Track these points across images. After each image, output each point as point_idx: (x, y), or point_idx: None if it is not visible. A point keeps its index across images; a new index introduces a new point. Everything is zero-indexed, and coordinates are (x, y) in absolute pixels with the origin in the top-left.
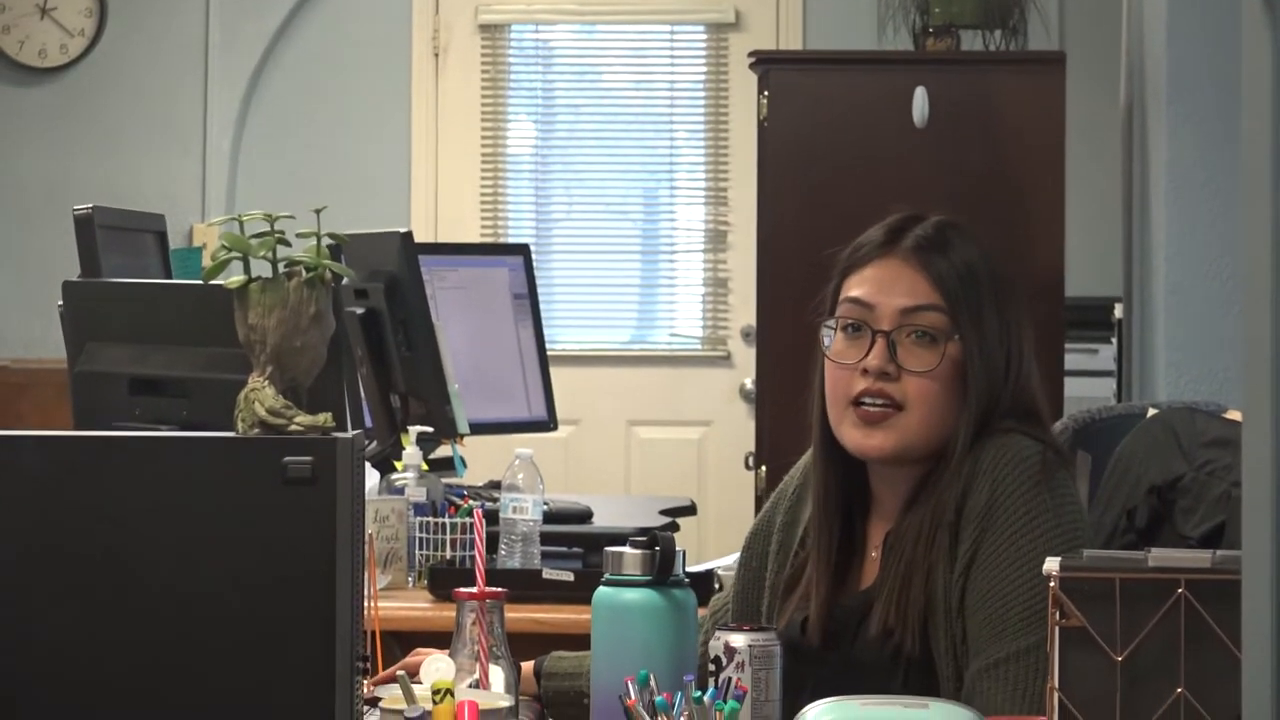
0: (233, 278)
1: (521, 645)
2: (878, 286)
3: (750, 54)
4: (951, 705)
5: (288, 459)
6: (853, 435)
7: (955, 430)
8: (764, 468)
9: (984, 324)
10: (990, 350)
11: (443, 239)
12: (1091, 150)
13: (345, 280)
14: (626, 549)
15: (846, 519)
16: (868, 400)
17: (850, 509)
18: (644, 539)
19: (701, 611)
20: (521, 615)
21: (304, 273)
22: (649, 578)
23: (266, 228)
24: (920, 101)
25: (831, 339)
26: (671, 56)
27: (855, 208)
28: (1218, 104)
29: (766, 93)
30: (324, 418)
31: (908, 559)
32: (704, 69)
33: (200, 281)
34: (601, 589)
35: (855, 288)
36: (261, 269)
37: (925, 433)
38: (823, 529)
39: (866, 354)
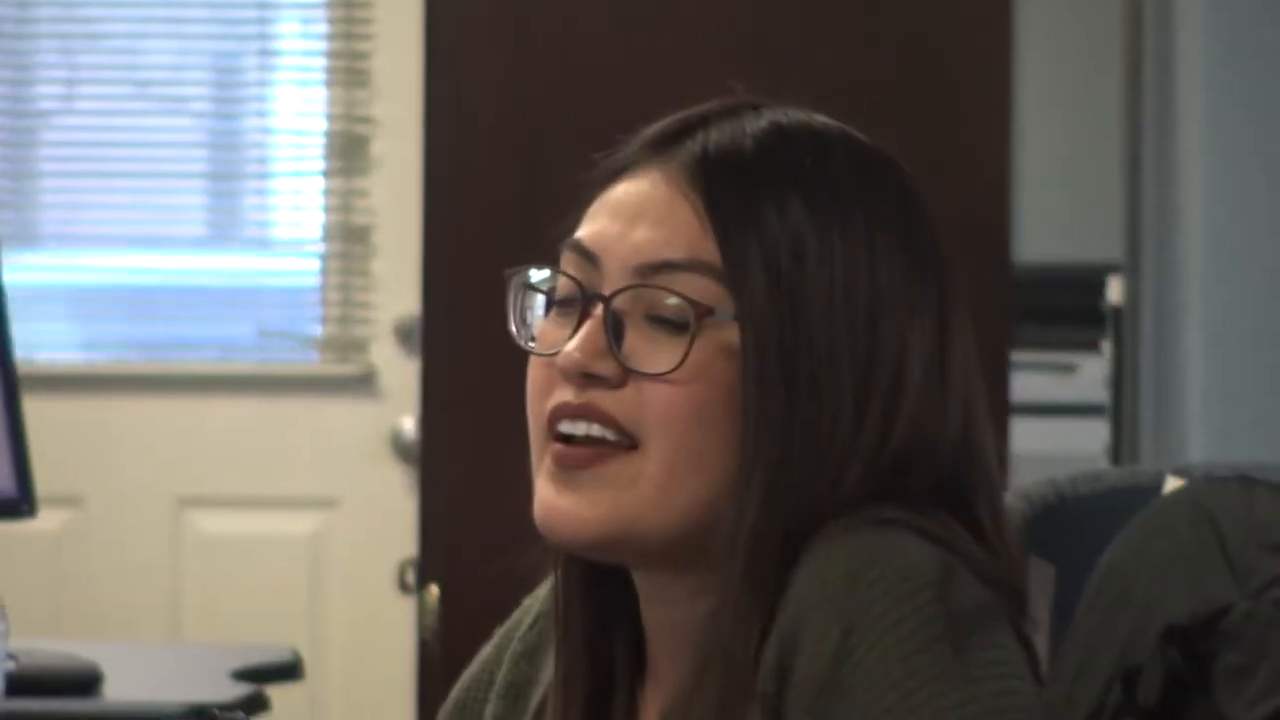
0: None
1: None
2: (620, 223)
3: None
4: None
5: None
6: (541, 495)
7: (734, 501)
8: (436, 587)
9: (807, 303)
10: (814, 353)
11: None
12: (1064, 23)
13: None
14: None
15: (605, 671)
16: (566, 427)
17: (612, 653)
18: None
19: None
20: None
21: None
22: None
23: None
24: None
25: (542, 313)
26: None
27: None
28: None
29: None
30: None
31: None
32: None
33: None
34: None
35: (587, 223)
36: None
37: (677, 492)
38: (561, 689)
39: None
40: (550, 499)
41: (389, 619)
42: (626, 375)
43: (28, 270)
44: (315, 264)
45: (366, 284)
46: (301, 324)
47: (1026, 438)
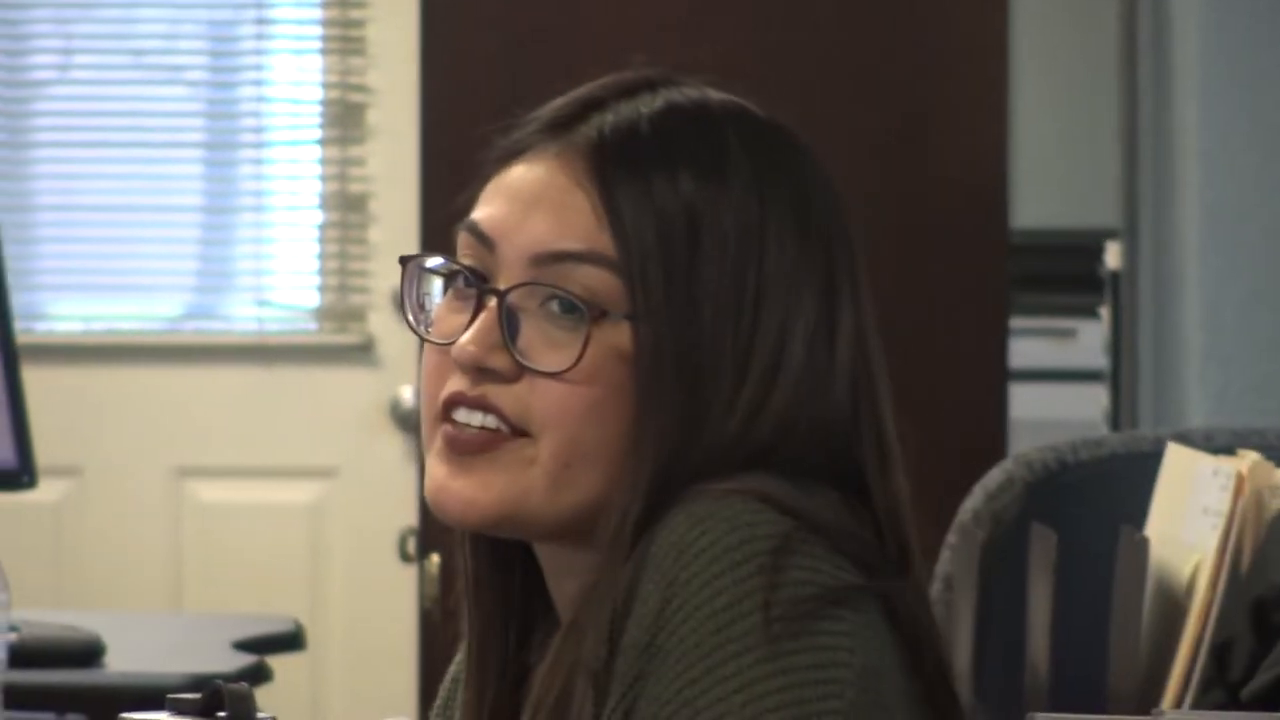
0: None
1: None
2: (515, 208)
3: None
4: None
5: None
6: (433, 474)
7: (623, 493)
8: (437, 556)
9: (701, 288)
10: (704, 340)
11: None
12: None
13: None
14: (163, 717)
15: (518, 640)
16: (461, 416)
17: (524, 621)
18: (198, 696)
19: None
20: None
21: None
22: None
23: None
24: None
25: (439, 296)
26: None
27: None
28: None
29: None
30: None
31: None
32: None
33: None
34: None
35: (483, 204)
36: None
37: (567, 484)
38: (474, 656)
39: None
40: (442, 479)
41: (390, 588)
42: (521, 370)
43: (26, 242)
44: (313, 233)
45: (364, 253)
46: (302, 295)
47: (1025, 404)
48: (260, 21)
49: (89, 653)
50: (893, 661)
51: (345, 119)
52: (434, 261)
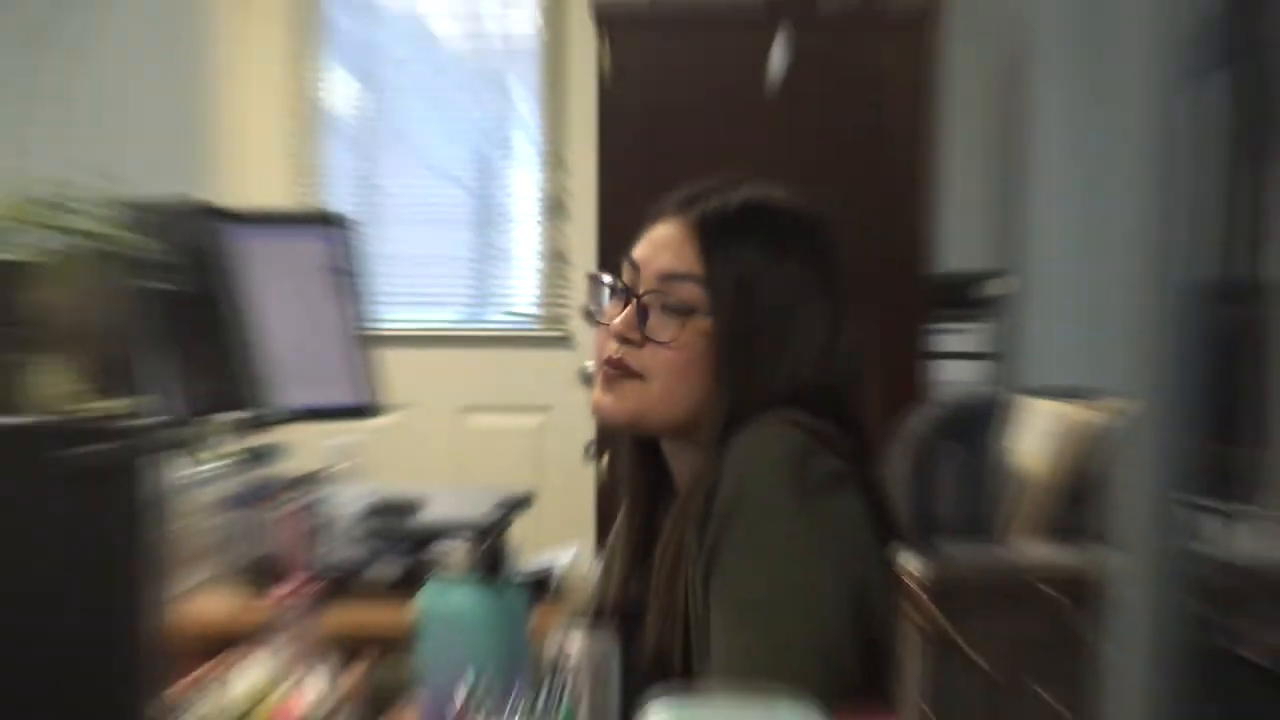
0: (14, 248)
1: (343, 646)
2: (651, 248)
3: (592, 6)
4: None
5: (81, 449)
6: (595, 396)
7: (708, 410)
8: (605, 458)
9: (752, 303)
10: (753, 332)
11: (248, 206)
12: (968, 107)
13: (144, 254)
14: (454, 545)
15: (655, 508)
16: (611, 365)
17: (661, 494)
18: (476, 531)
19: (542, 612)
20: (343, 615)
21: (96, 245)
22: (478, 576)
23: (53, 197)
24: (779, 52)
25: (607, 299)
26: (504, 5)
27: (703, 175)
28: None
29: (609, 49)
30: (121, 404)
31: (668, 568)
32: (541, 22)
33: None
34: (427, 588)
35: (638, 246)
36: (49, 240)
37: (668, 405)
38: (624, 521)
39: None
40: (597, 397)
41: (580, 474)
42: (646, 341)
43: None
44: (536, 272)
45: (565, 284)
46: (530, 306)
47: (945, 371)
48: (507, 150)
49: (411, 508)
50: (871, 517)
51: (555, 208)
52: (606, 278)
